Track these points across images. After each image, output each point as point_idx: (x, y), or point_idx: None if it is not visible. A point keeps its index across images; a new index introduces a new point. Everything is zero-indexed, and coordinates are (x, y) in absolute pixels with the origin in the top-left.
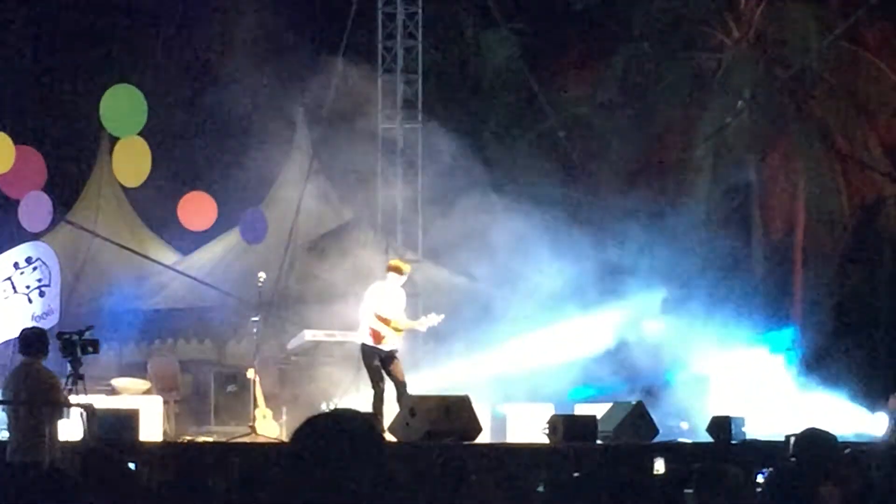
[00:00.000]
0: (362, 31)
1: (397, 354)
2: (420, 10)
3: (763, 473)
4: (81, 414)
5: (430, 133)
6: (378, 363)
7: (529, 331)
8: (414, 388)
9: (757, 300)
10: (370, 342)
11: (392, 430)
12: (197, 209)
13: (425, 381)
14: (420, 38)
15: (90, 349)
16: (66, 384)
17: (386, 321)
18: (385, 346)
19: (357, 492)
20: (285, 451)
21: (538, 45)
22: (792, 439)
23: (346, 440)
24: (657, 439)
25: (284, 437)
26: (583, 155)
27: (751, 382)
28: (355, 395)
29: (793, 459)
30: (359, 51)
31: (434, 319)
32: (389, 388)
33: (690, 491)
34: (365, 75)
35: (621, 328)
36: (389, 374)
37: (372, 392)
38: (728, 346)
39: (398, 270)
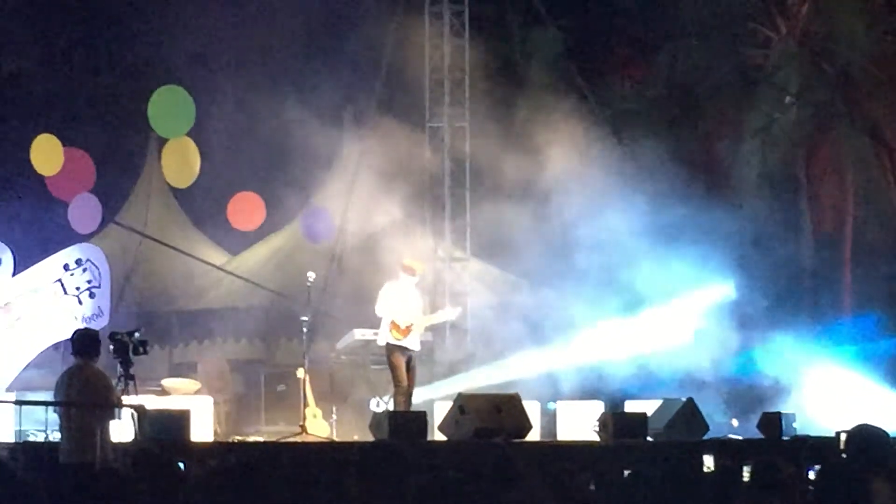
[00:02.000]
0: (409, 29)
1: (416, 358)
2: (467, 9)
3: (814, 469)
4: (132, 415)
5: (478, 131)
6: (404, 361)
7: (580, 328)
8: (465, 387)
9: (807, 295)
10: (393, 339)
11: (442, 428)
12: (245, 209)
13: (476, 379)
14: (467, 37)
15: (141, 350)
16: (118, 385)
17: (403, 327)
18: (409, 345)
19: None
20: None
21: (585, 41)
22: (843, 435)
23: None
24: (707, 436)
25: (335, 437)
26: (630, 151)
27: (805, 378)
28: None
29: (844, 455)
30: (406, 49)
31: (451, 313)
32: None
33: (740, 487)
34: (412, 74)
35: (675, 325)
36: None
37: (395, 390)
38: (780, 342)
39: (411, 271)
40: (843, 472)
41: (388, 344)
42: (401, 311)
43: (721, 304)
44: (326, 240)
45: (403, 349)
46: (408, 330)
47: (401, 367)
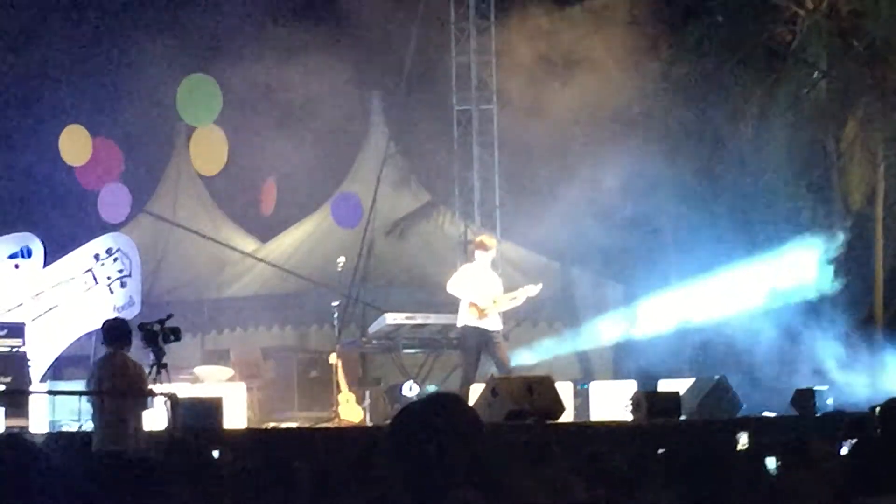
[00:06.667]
0: (435, 12)
1: (500, 337)
2: None
3: (846, 445)
4: (165, 403)
5: (506, 113)
6: (479, 346)
7: (612, 307)
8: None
9: (839, 270)
10: (472, 322)
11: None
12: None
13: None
14: (493, 18)
15: (172, 337)
16: (150, 373)
17: (483, 307)
18: (489, 326)
19: (454, 473)
20: (386, 438)
21: (611, 20)
22: (877, 410)
23: (443, 424)
24: (740, 413)
25: (368, 421)
26: (659, 129)
27: (833, 353)
28: (438, 378)
29: (878, 431)
30: (432, 32)
31: (532, 290)
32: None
33: (774, 464)
34: (439, 57)
35: (704, 304)
36: (494, 358)
37: (462, 374)
38: (813, 318)
39: (483, 246)
40: (875, 446)
41: (465, 326)
42: (479, 291)
43: (752, 284)
44: (357, 225)
45: (481, 331)
46: (487, 310)
47: (473, 355)
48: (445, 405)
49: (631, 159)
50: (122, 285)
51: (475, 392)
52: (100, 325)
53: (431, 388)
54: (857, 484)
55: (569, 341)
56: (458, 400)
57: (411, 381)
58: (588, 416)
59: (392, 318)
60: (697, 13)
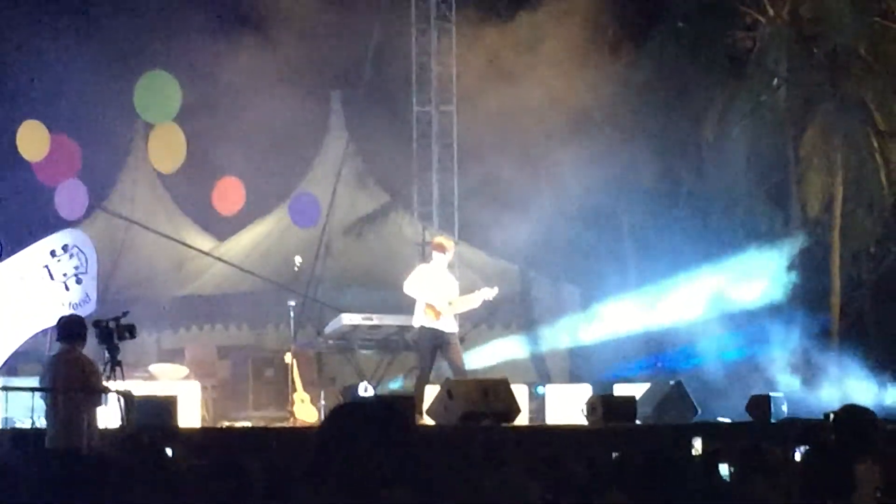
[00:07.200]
0: (396, 14)
1: (455, 339)
2: None
3: (800, 451)
4: (119, 400)
5: (466, 115)
6: (435, 347)
7: (569, 311)
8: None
9: (795, 276)
10: (429, 322)
11: (430, 412)
12: (225, 194)
13: (465, 363)
14: (454, 20)
15: (127, 335)
16: (104, 371)
17: (439, 309)
18: (444, 327)
19: (384, 475)
20: (316, 437)
21: (573, 24)
22: (831, 416)
23: (374, 425)
24: (696, 419)
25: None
26: (619, 135)
27: (789, 360)
28: (393, 379)
29: (833, 437)
30: (393, 33)
31: (489, 293)
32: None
33: (728, 469)
34: (399, 58)
35: (661, 309)
36: (449, 361)
37: (417, 375)
38: (770, 324)
39: (440, 248)
40: (830, 453)
41: (421, 327)
42: (435, 292)
43: (710, 289)
44: (314, 224)
45: (437, 333)
46: (443, 312)
47: (428, 355)
48: (376, 406)
49: (591, 163)
50: (78, 282)
51: (430, 394)
52: (55, 322)
53: (393, 387)
54: (810, 490)
55: (525, 344)
56: (391, 402)
57: (365, 382)
58: (544, 419)
59: (348, 319)
60: (659, 18)
